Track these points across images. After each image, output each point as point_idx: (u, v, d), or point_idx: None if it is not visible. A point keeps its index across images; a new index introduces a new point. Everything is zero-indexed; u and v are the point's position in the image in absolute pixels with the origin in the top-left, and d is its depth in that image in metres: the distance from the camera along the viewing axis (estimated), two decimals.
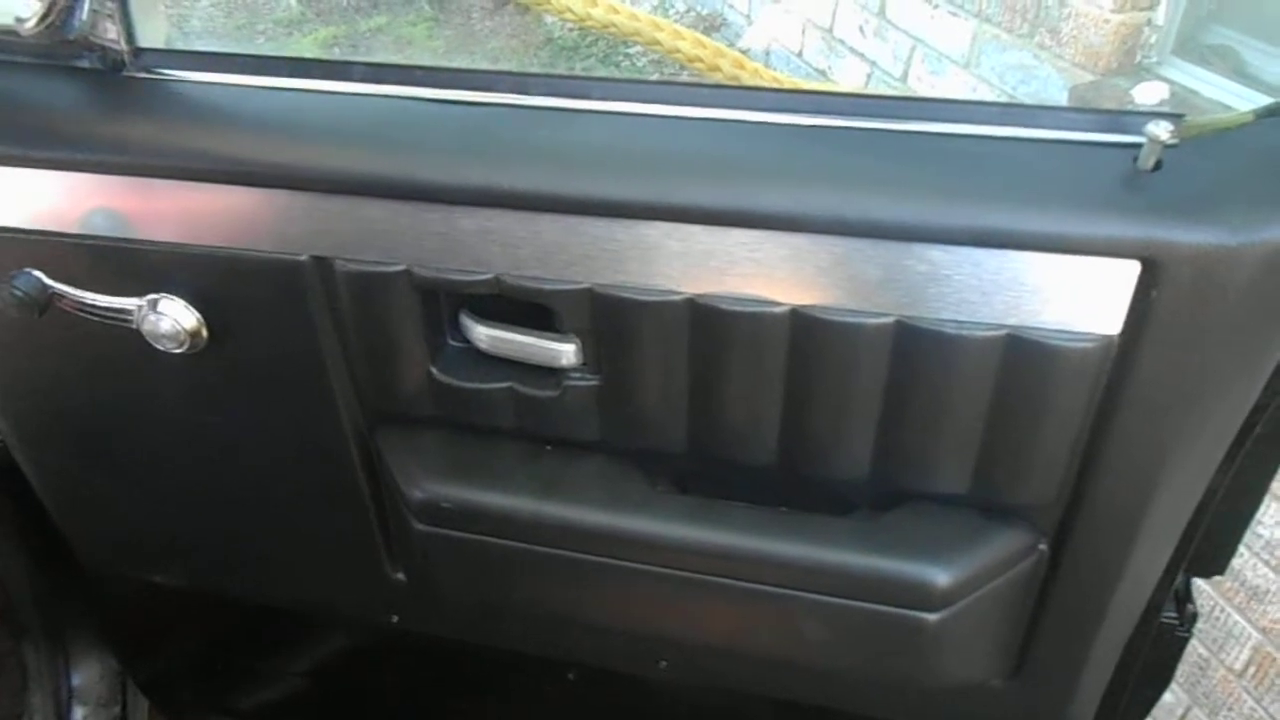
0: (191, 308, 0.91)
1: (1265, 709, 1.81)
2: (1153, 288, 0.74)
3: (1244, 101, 2.27)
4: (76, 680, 1.47)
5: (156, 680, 1.50)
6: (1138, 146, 0.74)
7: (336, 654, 1.38)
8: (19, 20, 0.84)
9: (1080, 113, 0.82)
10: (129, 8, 0.87)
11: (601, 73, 4.22)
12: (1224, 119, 0.80)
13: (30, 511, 1.23)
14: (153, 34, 0.91)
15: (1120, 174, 0.75)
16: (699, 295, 0.83)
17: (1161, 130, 0.72)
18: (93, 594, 1.36)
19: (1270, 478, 0.94)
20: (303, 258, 0.88)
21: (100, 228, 0.90)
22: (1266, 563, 1.76)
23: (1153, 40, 2.47)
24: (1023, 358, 0.79)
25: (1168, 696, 1.58)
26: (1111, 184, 0.74)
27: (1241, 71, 2.32)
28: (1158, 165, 0.74)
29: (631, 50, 4.43)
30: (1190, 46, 2.47)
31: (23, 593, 1.37)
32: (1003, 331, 0.78)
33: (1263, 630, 1.79)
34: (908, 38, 3.09)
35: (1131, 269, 0.74)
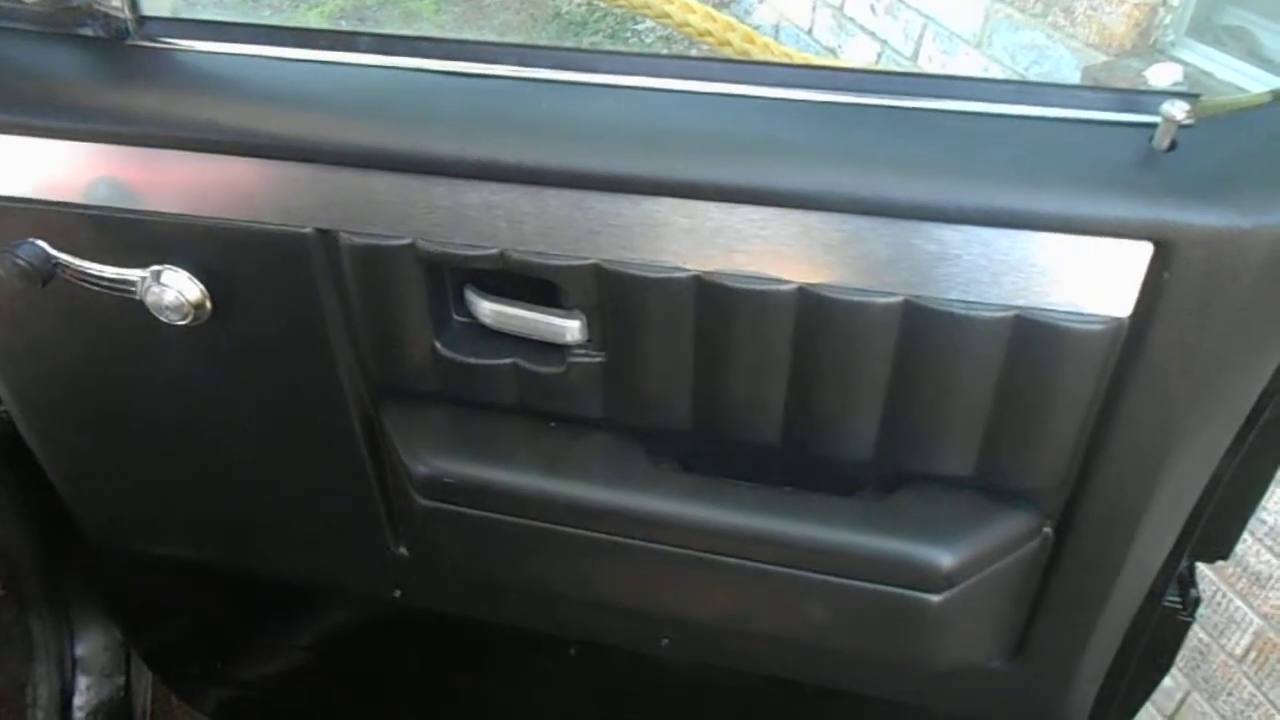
0: (195, 279, 0.91)
1: (1265, 694, 1.81)
2: (1165, 269, 0.73)
3: (1259, 84, 2.25)
4: (80, 651, 1.48)
5: (159, 651, 1.50)
6: (1152, 126, 0.73)
7: (339, 627, 1.39)
8: None
9: (1094, 92, 0.80)
10: None
11: (609, 48, 4.19)
12: (1240, 100, 0.79)
13: (35, 483, 1.23)
14: (158, 2, 0.90)
15: (1134, 154, 0.74)
16: (706, 272, 0.82)
17: (1177, 110, 0.71)
18: (97, 566, 1.37)
19: (1278, 463, 0.93)
20: (307, 230, 0.87)
21: (104, 198, 0.89)
22: (1270, 548, 1.76)
23: (1167, 21, 2.45)
24: (1031, 339, 0.78)
25: (1167, 681, 1.58)
26: (1125, 164, 0.73)
27: (1257, 53, 2.30)
28: (1173, 146, 0.73)
29: (640, 26, 4.40)
30: (1205, 28, 2.45)
31: (28, 564, 1.38)
32: (1012, 312, 0.78)
33: (1264, 616, 1.79)
34: (919, 16, 3.07)
35: (1144, 250, 0.73)
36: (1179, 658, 1.11)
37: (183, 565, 1.29)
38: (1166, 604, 1.02)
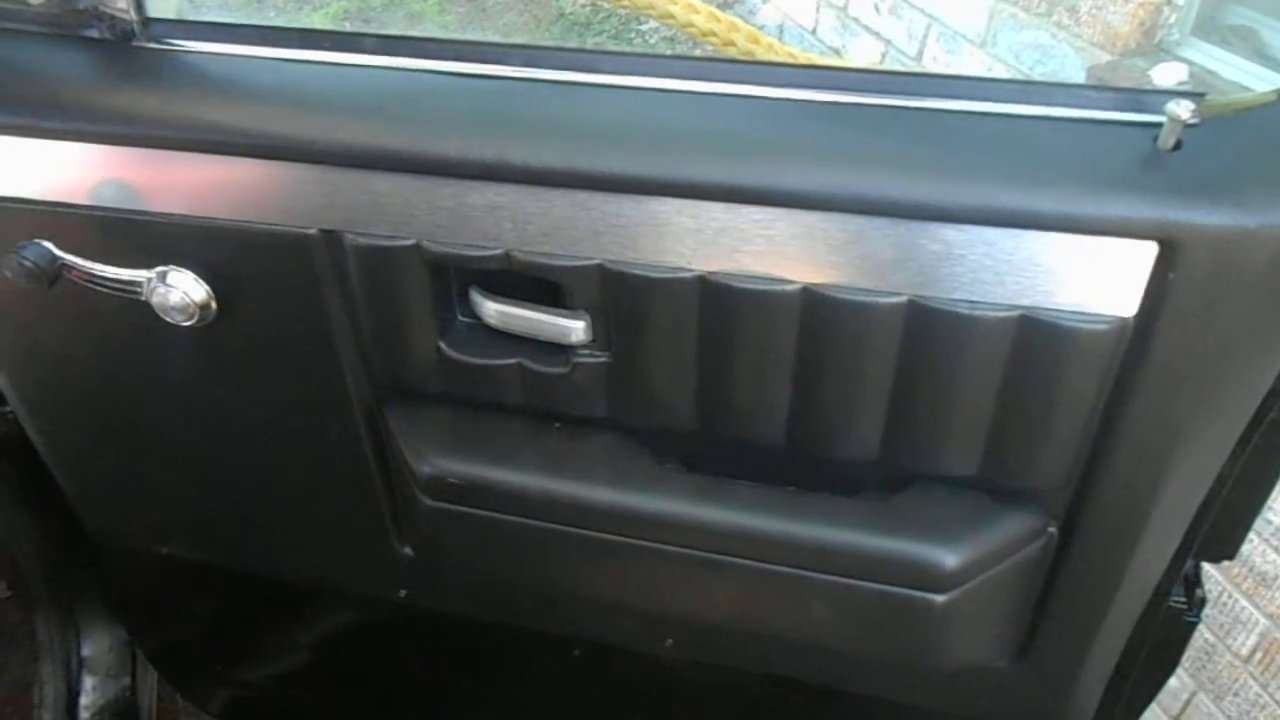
0: (201, 280, 0.91)
1: (1271, 694, 1.81)
2: (1170, 269, 0.73)
3: (1264, 83, 2.24)
4: (86, 651, 1.48)
5: (165, 651, 1.51)
6: (1157, 126, 0.73)
7: (344, 628, 1.39)
8: None
9: (1099, 91, 0.80)
10: None
11: (613, 48, 4.20)
12: (1245, 99, 0.79)
13: (41, 484, 1.23)
14: (163, 4, 0.90)
15: (1139, 154, 0.73)
16: (710, 273, 0.82)
17: (1182, 109, 0.71)
18: (102, 566, 1.37)
19: None
20: (312, 231, 0.87)
21: (110, 199, 0.90)
22: (1276, 549, 1.75)
23: (1172, 20, 2.44)
24: (1036, 339, 0.78)
25: (1173, 681, 1.58)
26: (1130, 164, 0.73)
27: (1262, 53, 2.30)
28: (1177, 145, 0.73)
29: (644, 27, 4.41)
30: (1210, 27, 2.44)
31: (33, 564, 1.38)
32: (1016, 312, 0.78)
33: (1270, 616, 1.79)
34: (923, 15, 3.06)
35: (1149, 250, 0.73)
36: (1184, 658, 1.11)
37: (188, 565, 1.29)
38: (1172, 604, 1.02)
